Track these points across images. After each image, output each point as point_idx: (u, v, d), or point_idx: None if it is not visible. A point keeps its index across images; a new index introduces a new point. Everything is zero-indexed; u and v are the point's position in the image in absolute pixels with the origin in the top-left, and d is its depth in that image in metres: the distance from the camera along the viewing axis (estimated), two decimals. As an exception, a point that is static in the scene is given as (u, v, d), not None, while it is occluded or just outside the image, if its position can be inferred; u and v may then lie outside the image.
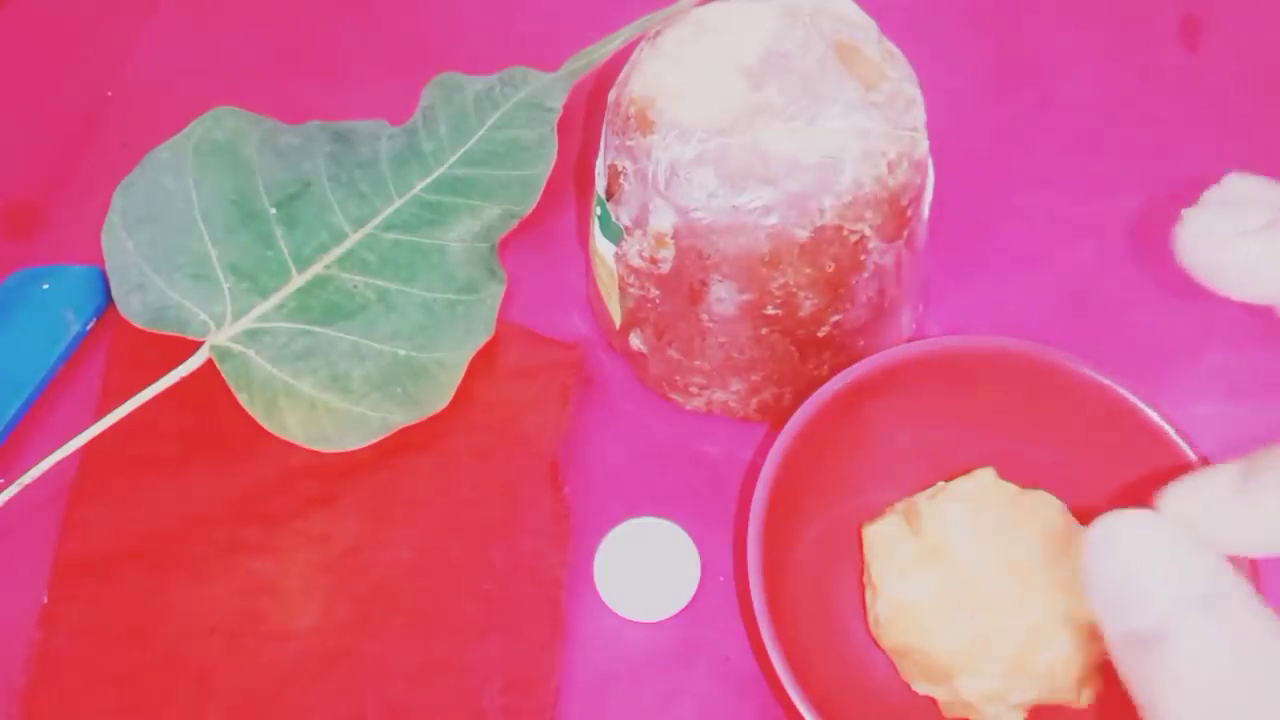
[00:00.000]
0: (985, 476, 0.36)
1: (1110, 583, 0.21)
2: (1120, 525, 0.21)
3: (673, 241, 0.36)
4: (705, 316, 0.37)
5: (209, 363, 0.39)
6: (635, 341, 0.40)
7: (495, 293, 0.42)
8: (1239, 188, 0.24)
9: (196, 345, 0.39)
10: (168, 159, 0.43)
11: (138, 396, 0.38)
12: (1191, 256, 0.24)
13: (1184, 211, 0.24)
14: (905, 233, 0.37)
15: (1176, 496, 0.22)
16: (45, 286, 0.43)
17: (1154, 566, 0.21)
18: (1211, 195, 0.24)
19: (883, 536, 0.36)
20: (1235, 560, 0.31)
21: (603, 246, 0.38)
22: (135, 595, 0.38)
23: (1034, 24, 0.50)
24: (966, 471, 0.37)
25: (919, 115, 0.36)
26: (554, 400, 0.41)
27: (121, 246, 0.42)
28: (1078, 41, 0.50)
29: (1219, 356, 0.43)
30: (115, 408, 0.38)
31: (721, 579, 0.39)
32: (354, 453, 0.39)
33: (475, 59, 0.46)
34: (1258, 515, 0.21)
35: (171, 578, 0.38)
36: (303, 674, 0.37)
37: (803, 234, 0.35)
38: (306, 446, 0.39)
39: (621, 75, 0.37)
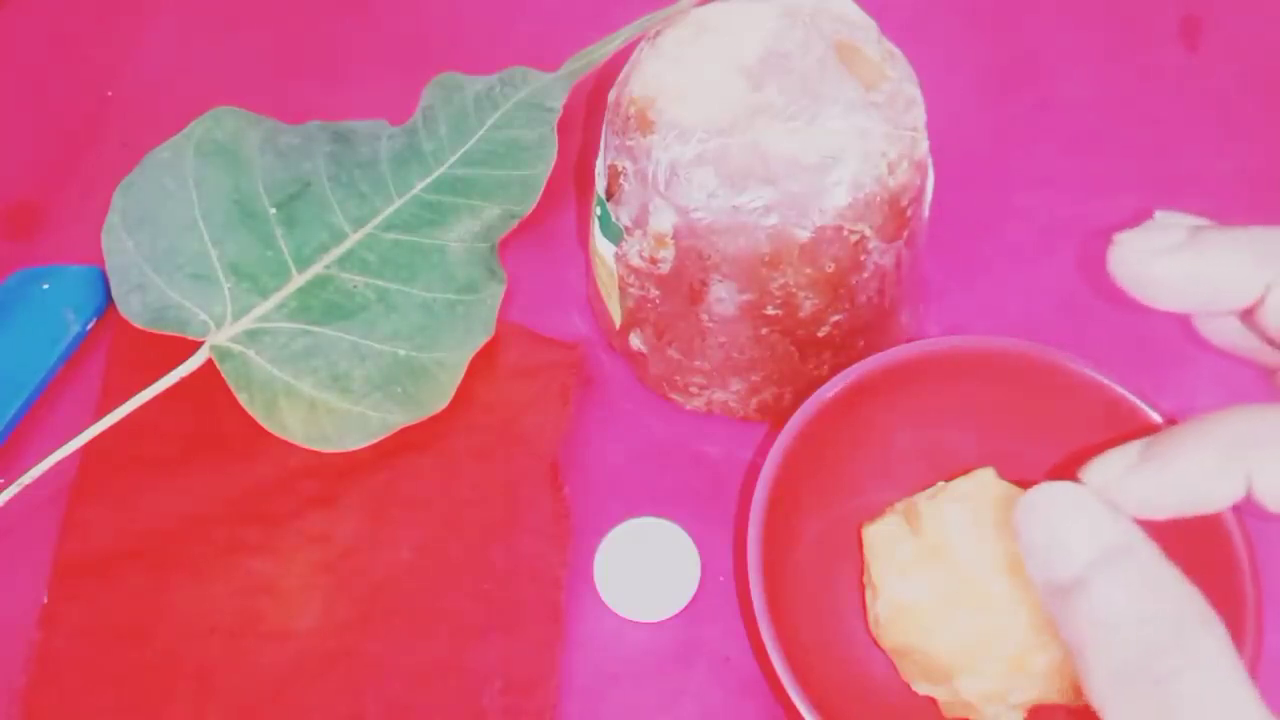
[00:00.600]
0: (985, 476, 0.36)
1: (1037, 541, 0.25)
2: (1046, 492, 0.25)
3: (673, 241, 0.36)
4: (705, 316, 0.37)
5: (209, 363, 0.39)
6: (635, 341, 0.40)
7: (495, 293, 0.42)
8: (1168, 219, 0.28)
9: (196, 345, 0.39)
10: (168, 159, 0.43)
11: (138, 396, 0.38)
12: (1119, 273, 0.28)
13: (1115, 235, 0.28)
14: (905, 233, 0.37)
15: (1093, 469, 0.26)
16: (45, 286, 0.43)
17: (1073, 525, 0.24)
18: (1144, 226, 0.28)
19: (883, 536, 0.36)
20: (1228, 538, 0.32)
21: (603, 246, 0.38)
22: (135, 595, 0.38)
23: (1034, 24, 0.50)
24: (966, 471, 0.37)
25: (919, 115, 0.36)
26: (554, 400, 0.41)
27: (121, 246, 0.42)
28: (1078, 41, 0.50)
29: (1219, 356, 0.43)
30: (115, 408, 0.38)
31: (721, 579, 0.39)
32: (354, 453, 0.39)
33: (475, 59, 0.46)
34: (1150, 484, 0.25)
35: (171, 578, 0.38)
36: (303, 674, 0.37)
37: (803, 234, 0.35)
38: (306, 446, 0.39)
39: (621, 75, 0.37)
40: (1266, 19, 0.50)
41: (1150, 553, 0.24)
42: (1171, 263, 0.27)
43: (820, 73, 0.35)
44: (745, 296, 0.36)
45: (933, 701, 0.36)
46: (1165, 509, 0.25)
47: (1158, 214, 0.29)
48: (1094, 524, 0.24)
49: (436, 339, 0.40)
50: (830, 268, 0.35)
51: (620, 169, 0.36)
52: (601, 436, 0.42)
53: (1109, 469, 0.26)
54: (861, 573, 0.37)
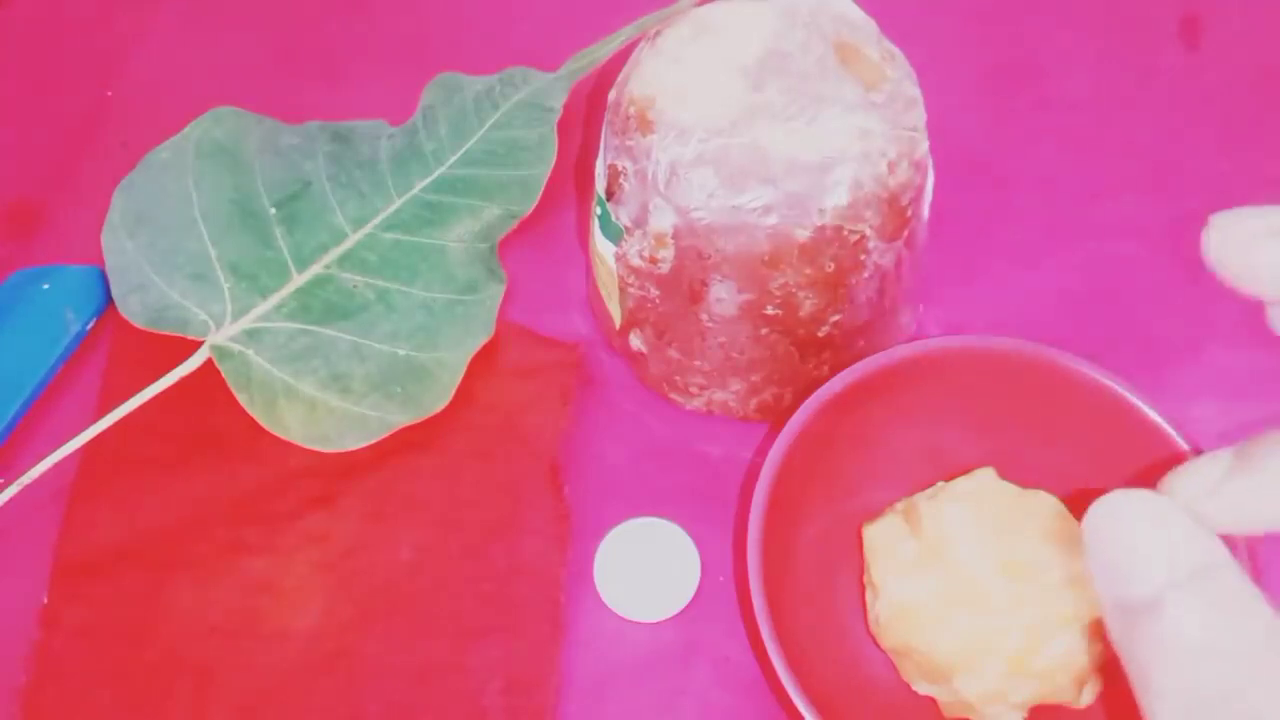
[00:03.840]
0: (985, 476, 0.36)
1: (1108, 554, 0.22)
2: (1122, 501, 0.23)
3: (673, 241, 0.36)
4: (705, 316, 0.37)
5: (209, 363, 0.39)
6: (635, 341, 0.40)
7: (495, 293, 0.42)
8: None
9: (196, 345, 0.39)
10: (168, 159, 0.43)
11: (138, 396, 0.38)
12: (1218, 258, 0.24)
13: (1212, 216, 0.24)
14: (905, 233, 0.37)
15: (1176, 479, 0.24)
16: (45, 286, 0.43)
17: (1150, 540, 0.22)
18: (1242, 209, 0.25)
19: (883, 536, 0.36)
20: (1233, 547, 0.31)
21: (603, 246, 0.38)
22: (135, 595, 0.38)
23: (1034, 24, 0.50)
24: (966, 471, 0.37)
25: (919, 115, 0.36)
26: (554, 400, 0.41)
27: (121, 246, 0.42)
28: (1078, 41, 0.50)
29: (1219, 356, 0.43)
30: (115, 408, 0.38)
31: (721, 579, 0.39)
32: (354, 453, 0.39)
33: (475, 59, 0.46)
34: (1246, 496, 0.23)
35: (171, 578, 0.38)
36: (303, 674, 0.37)
37: (803, 234, 0.35)
38: (306, 446, 0.39)
39: (621, 75, 0.37)
40: (1266, 19, 0.50)
41: (1236, 574, 0.22)
42: None
43: (820, 73, 0.35)
44: (745, 296, 0.36)
45: (933, 701, 0.36)
46: (1263, 522, 0.23)
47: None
48: (1175, 539, 0.22)
49: (436, 339, 0.40)
50: (830, 268, 0.35)
51: (620, 169, 0.36)
52: (601, 436, 0.42)
53: (1197, 479, 0.23)
54: (861, 573, 0.37)
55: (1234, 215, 0.24)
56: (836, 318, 0.37)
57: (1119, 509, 0.23)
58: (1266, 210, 0.24)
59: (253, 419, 0.38)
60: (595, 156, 0.39)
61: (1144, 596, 0.22)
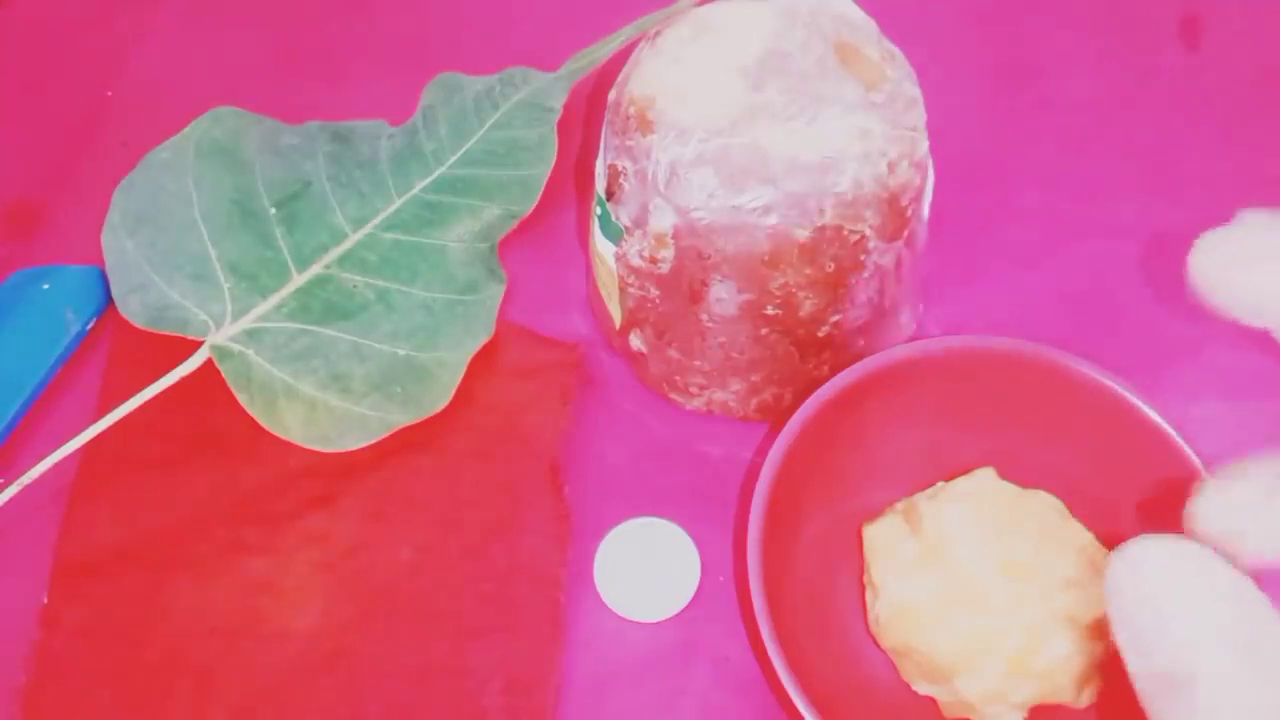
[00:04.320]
0: (985, 476, 0.36)
1: (1136, 618, 0.20)
2: (1146, 554, 0.20)
3: (673, 241, 0.36)
4: (705, 316, 0.37)
5: (209, 363, 0.39)
6: (635, 341, 0.40)
7: (495, 293, 0.42)
8: (1254, 221, 0.24)
9: (196, 345, 0.39)
10: (168, 159, 0.43)
11: (138, 396, 0.38)
12: (1202, 282, 0.23)
13: (1197, 240, 0.23)
14: (905, 233, 0.37)
15: (1207, 512, 0.21)
16: (45, 286, 0.43)
17: (1182, 602, 0.20)
18: (1230, 228, 0.24)
19: (883, 536, 0.36)
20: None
21: (603, 246, 0.38)
22: (135, 595, 0.38)
23: (1034, 24, 0.50)
24: (966, 471, 0.37)
25: (919, 115, 0.36)
26: (554, 400, 0.41)
27: (121, 246, 0.42)
28: (1078, 42, 0.50)
29: (1219, 356, 0.43)
30: (115, 408, 0.38)
31: (721, 579, 0.39)
32: (354, 453, 0.39)
33: (475, 59, 0.46)
34: None
35: (171, 578, 0.38)
36: (303, 674, 0.37)
37: (803, 234, 0.35)
38: (306, 446, 0.39)
39: (621, 75, 0.37)
40: (1266, 19, 0.50)
41: (1277, 638, 0.19)
42: (1269, 272, 0.22)
43: (820, 73, 0.35)
44: (745, 296, 0.36)
45: (933, 701, 0.36)
46: None
47: (1243, 213, 0.24)
48: (1212, 603, 0.19)
49: (436, 339, 0.40)
50: (830, 268, 0.35)
51: (620, 169, 0.36)
52: (601, 436, 0.42)
53: (1232, 512, 0.21)
54: (861, 573, 0.37)
55: (1212, 238, 0.23)
56: (836, 318, 0.37)
57: (1143, 562, 0.20)
58: (1243, 231, 0.23)
59: (253, 419, 0.38)
60: (595, 156, 0.39)
61: (1179, 668, 0.19)
